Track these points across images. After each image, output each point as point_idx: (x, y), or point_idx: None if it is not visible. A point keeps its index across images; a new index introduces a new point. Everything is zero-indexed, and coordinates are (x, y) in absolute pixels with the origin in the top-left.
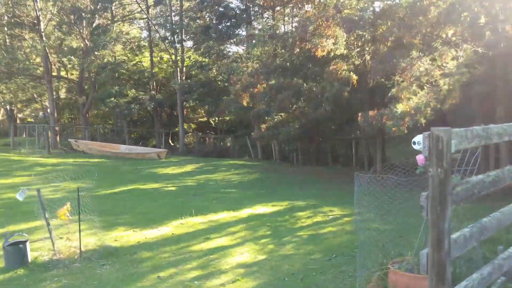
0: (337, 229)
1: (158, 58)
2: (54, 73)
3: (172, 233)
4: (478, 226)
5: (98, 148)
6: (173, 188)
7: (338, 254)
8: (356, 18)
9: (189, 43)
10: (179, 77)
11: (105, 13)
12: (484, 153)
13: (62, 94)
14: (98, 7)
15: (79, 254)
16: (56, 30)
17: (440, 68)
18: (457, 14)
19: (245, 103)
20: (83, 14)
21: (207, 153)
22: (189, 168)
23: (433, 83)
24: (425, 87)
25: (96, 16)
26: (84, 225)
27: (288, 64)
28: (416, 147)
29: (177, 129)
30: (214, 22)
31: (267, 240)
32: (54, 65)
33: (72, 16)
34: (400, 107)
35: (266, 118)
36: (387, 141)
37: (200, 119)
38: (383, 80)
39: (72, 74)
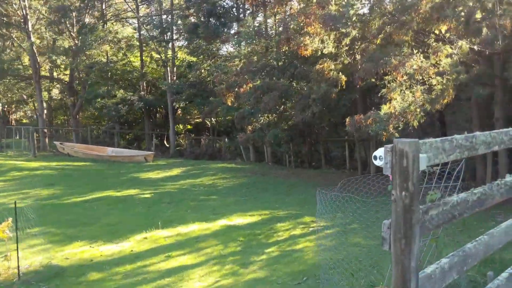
0: (314, 244)
1: (149, 57)
2: (46, 73)
3: (132, 250)
4: (461, 255)
5: (84, 151)
6: (148, 196)
7: (310, 276)
8: (338, 14)
9: (180, 43)
10: (169, 77)
11: (94, 12)
12: (480, 156)
13: (54, 95)
14: (84, 4)
15: (18, 276)
16: (46, 29)
17: (435, 66)
18: (451, 8)
19: (229, 103)
20: (69, 12)
21: (198, 155)
22: (174, 172)
23: (426, 82)
24: (414, 86)
25: (86, 14)
26: (36, 240)
27: (275, 63)
28: (377, 163)
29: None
30: (202, 20)
31: (235, 259)
32: (44, 65)
33: (58, 14)
34: (384, 109)
35: (251, 119)
36: (386, 142)
37: (196, 120)
38: (374, 80)
39: (65, 75)
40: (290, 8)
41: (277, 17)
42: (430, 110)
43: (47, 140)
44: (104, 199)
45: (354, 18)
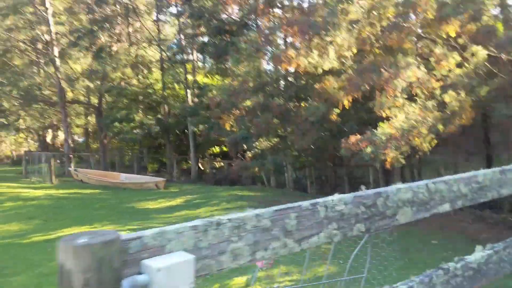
0: None
1: (170, 80)
2: (79, 98)
3: None
4: None
5: (97, 177)
6: (124, 233)
7: None
8: (321, 20)
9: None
10: (190, 100)
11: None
12: None
13: (81, 120)
14: (100, 26)
15: None
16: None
17: (441, 79)
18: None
19: (227, 127)
20: (81, 34)
21: (218, 181)
22: (178, 201)
23: (435, 97)
24: (418, 101)
25: (101, 36)
26: None
27: (274, 81)
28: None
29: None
30: (209, 37)
31: None
32: (70, 90)
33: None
34: (381, 128)
35: (246, 145)
36: (423, 164)
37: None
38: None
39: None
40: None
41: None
42: (443, 132)
43: (72, 165)
44: None
45: (344, 24)
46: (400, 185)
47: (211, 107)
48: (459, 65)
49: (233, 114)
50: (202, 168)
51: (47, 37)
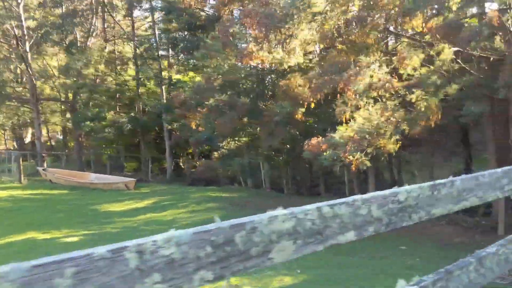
0: None
1: (146, 76)
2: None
3: None
4: None
5: (66, 177)
6: (76, 239)
7: None
8: (280, 11)
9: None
10: (164, 97)
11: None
12: None
13: (57, 118)
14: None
15: None
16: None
17: (407, 79)
18: None
19: (193, 126)
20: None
21: (194, 181)
22: (146, 203)
23: (401, 97)
24: (380, 102)
25: (74, 31)
26: None
27: (242, 79)
28: None
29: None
30: (180, 32)
31: None
32: (46, 88)
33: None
34: (340, 131)
35: (211, 145)
36: (403, 164)
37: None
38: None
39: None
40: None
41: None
42: (409, 133)
43: (45, 164)
44: (17, 244)
45: (305, 16)
46: (276, 212)
47: (176, 105)
48: (430, 63)
49: (200, 112)
50: (183, 167)
51: (18, 31)
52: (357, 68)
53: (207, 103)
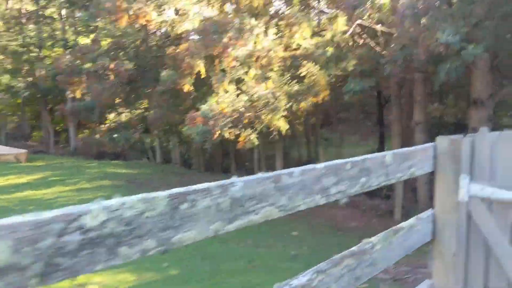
0: None
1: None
2: None
3: None
4: None
5: None
6: None
7: None
8: None
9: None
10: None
11: None
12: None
13: None
14: None
15: None
16: None
17: (296, 49)
18: None
19: (78, 95)
20: None
21: (100, 154)
22: (32, 178)
23: (291, 69)
24: (271, 75)
25: None
26: None
27: (131, 43)
28: None
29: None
30: None
31: None
32: None
33: None
34: (210, 102)
35: (92, 116)
36: (321, 142)
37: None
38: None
39: None
40: None
41: None
42: (298, 110)
43: None
44: None
45: None
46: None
47: (57, 71)
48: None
49: (84, 80)
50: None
51: None
52: (239, 31)
53: (85, 67)
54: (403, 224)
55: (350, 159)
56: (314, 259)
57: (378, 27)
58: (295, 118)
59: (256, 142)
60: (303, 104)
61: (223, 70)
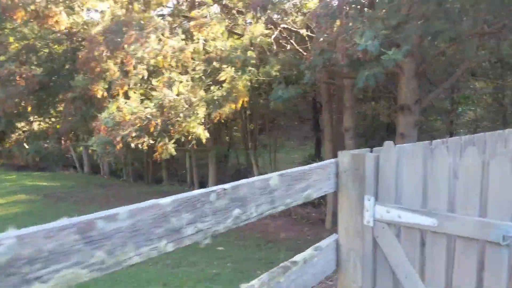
0: None
1: None
2: None
3: None
4: None
5: None
6: None
7: None
8: None
9: None
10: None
11: None
12: None
13: None
14: None
15: None
16: None
17: (212, 52)
18: None
19: None
20: None
21: (27, 166)
22: None
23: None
24: (184, 78)
25: None
26: None
27: (42, 46)
28: None
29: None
30: None
31: None
32: None
33: None
34: (110, 110)
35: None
36: (259, 148)
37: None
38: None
39: None
40: None
41: None
42: (215, 117)
43: None
44: None
45: None
46: None
47: None
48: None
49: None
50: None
51: None
52: (142, 30)
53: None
54: (297, 257)
55: (218, 186)
56: (235, 279)
57: (303, 31)
58: (216, 125)
59: (174, 152)
60: (221, 111)
61: (125, 72)
